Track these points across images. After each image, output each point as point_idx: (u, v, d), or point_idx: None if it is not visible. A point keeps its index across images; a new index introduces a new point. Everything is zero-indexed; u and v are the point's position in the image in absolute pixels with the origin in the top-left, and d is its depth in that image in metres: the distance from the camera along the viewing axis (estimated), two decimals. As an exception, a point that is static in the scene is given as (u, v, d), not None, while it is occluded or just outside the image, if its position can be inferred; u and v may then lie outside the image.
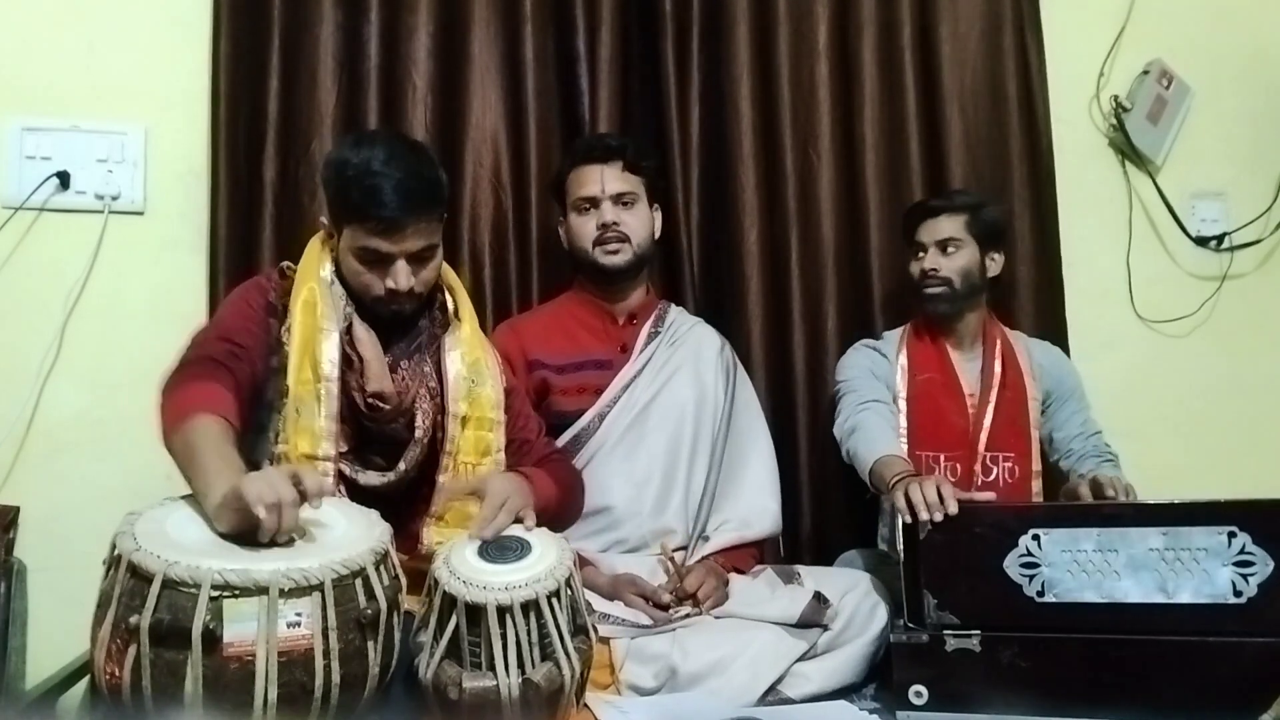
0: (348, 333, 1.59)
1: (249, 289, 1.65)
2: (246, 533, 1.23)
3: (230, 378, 1.48)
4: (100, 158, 2.05)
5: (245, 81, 2.07)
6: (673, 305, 2.13)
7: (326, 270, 1.62)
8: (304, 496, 1.25)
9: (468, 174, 2.15)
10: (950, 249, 2.06)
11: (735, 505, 1.97)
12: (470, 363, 1.67)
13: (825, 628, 1.72)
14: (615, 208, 1.98)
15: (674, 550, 1.87)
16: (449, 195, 1.70)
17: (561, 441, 1.93)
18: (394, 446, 1.61)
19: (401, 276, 1.57)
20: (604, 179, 1.98)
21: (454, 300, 1.72)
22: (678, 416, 1.97)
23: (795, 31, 2.32)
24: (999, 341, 2.10)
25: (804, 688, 1.67)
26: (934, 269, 2.06)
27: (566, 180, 2.03)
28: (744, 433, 2.04)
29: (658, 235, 2.09)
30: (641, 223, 2.01)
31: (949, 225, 2.07)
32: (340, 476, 1.56)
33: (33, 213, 2.02)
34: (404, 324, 1.66)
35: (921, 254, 2.08)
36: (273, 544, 1.23)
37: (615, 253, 1.98)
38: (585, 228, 1.99)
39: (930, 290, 2.06)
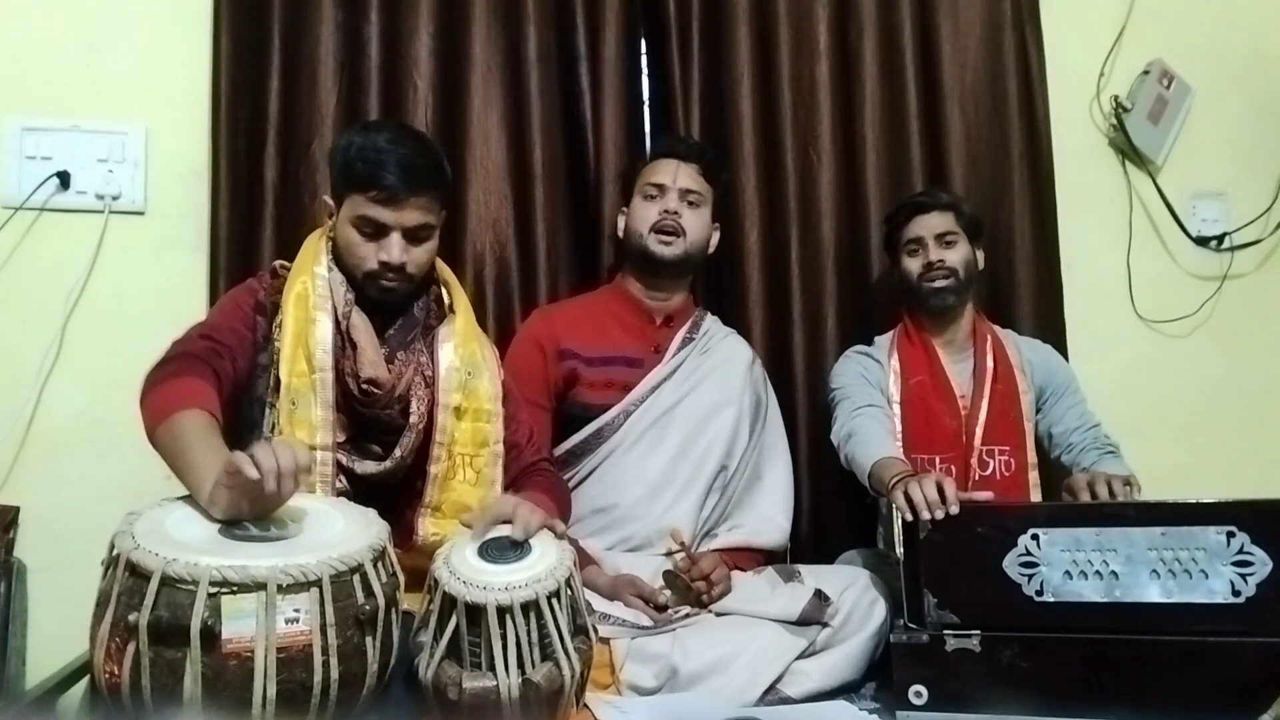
0: (345, 319, 1.61)
1: (239, 290, 1.68)
2: (243, 515, 1.25)
3: (211, 373, 1.49)
4: (100, 158, 2.05)
5: (245, 81, 2.07)
6: (709, 314, 2.15)
7: (323, 264, 1.64)
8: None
9: (469, 174, 2.15)
10: (949, 241, 2.07)
11: (747, 514, 2.00)
12: (465, 355, 1.68)
13: (825, 625, 1.72)
14: (680, 201, 2.01)
15: (678, 552, 1.87)
16: (450, 194, 1.74)
17: (582, 435, 1.95)
18: (391, 435, 1.62)
19: (395, 249, 1.59)
20: (678, 173, 2.02)
21: (449, 295, 1.74)
22: (700, 424, 1.98)
23: (796, 32, 2.32)
24: (989, 338, 2.11)
25: (803, 685, 1.67)
26: (940, 260, 2.05)
27: (641, 169, 2.07)
28: (765, 448, 2.06)
29: (712, 249, 2.11)
30: (701, 225, 2.04)
31: (942, 220, 2.08)
32: (338, 466, 1.57)
33: (33, 213, 2.02)
34: (397, 310, 1.67)
35: (918, 250, 2.08)
36: (270, 536, 1.24)
37: (668, 244, 2.00)
38: (647, 211, 2.01)
39: (938, 283, 2.05)
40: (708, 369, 2.03)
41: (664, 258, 2.00)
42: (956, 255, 2.06)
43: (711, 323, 2.13)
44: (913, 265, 2.09)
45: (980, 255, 2.13)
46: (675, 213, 2.00)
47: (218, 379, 1.49)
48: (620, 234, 2.09)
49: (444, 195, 1.68)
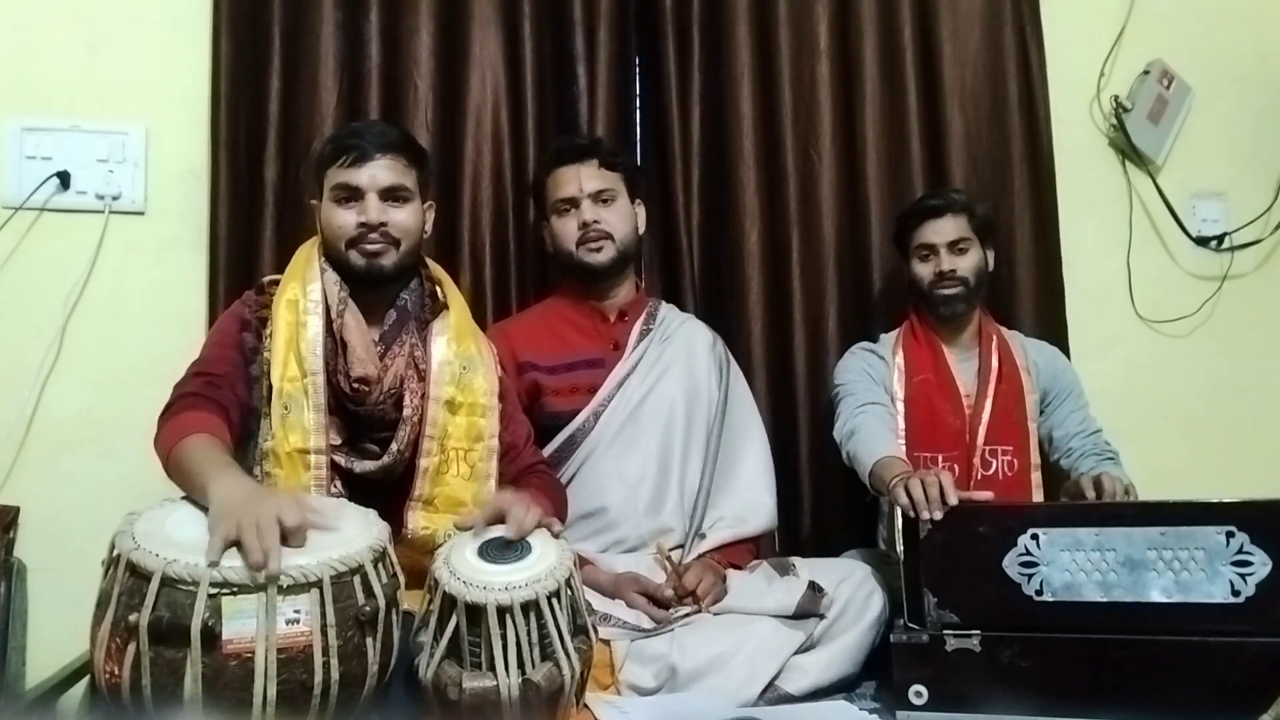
0: (339, 317, 1.62)
1: (225, 317, 1.70)
2: None
3: (213, 404, 1.51)
4: (100, 158, 2.05)
5: (245, 81, 2.07)
6: (663, 303, 2.13)
7: (314, 268, 1.67)
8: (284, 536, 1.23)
9: (468, 174, 2.15)
10: (962, 248, 2.06)
11: (730, 501, 1.97)
12: (460, 350, 1.70)
13: (822, 617, 1.72)
14: (595, 206, 1.98)
15: (671, 550, 1.87)
16: (429, 173, 1.78)
17: (556, 443, 1.94)
18: (385, 432, 1.63)
19: (372, 209, 1.64)
20: (581, 178, 1.98)
21: (443, 292, 1.76)
22: (670, 414, 1.97)
23: (796, 31, 2.32)
24: (995, 338, 2.10)
25: (802, 681, 1.67)
26: (952, 269, 2.05)
27: (544, 184, 2.04)
28: (738, 428, 2.04)
29: (642, 230, 2.09)
30: (622, 219, 2.01)
31: (956, 225, 2.07)
32: (335, 468, 1.58)
33: (33, 213, 2.02)
34: (390, 299, 1.69)
35: (930, 256, 2.07)
36: None
37: (598, 250, 1.98)
38: (567, 229, 1.99)
39: (948, 291, 2.05)
40: (670, 358, 2.01)
41: (600, 265, 1.98)
42: (968, 263, 2.06)
43: (667, 310, 2.10)
44: (924, 271, 2.08)
45: (991, 256, 2.13)
46: (595, 221, 1.97)
47: (221, 408, 1.52)
48: (549, 250, 2.06)
49: (415, 161, 1.71)
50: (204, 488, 1.30)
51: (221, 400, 1.53)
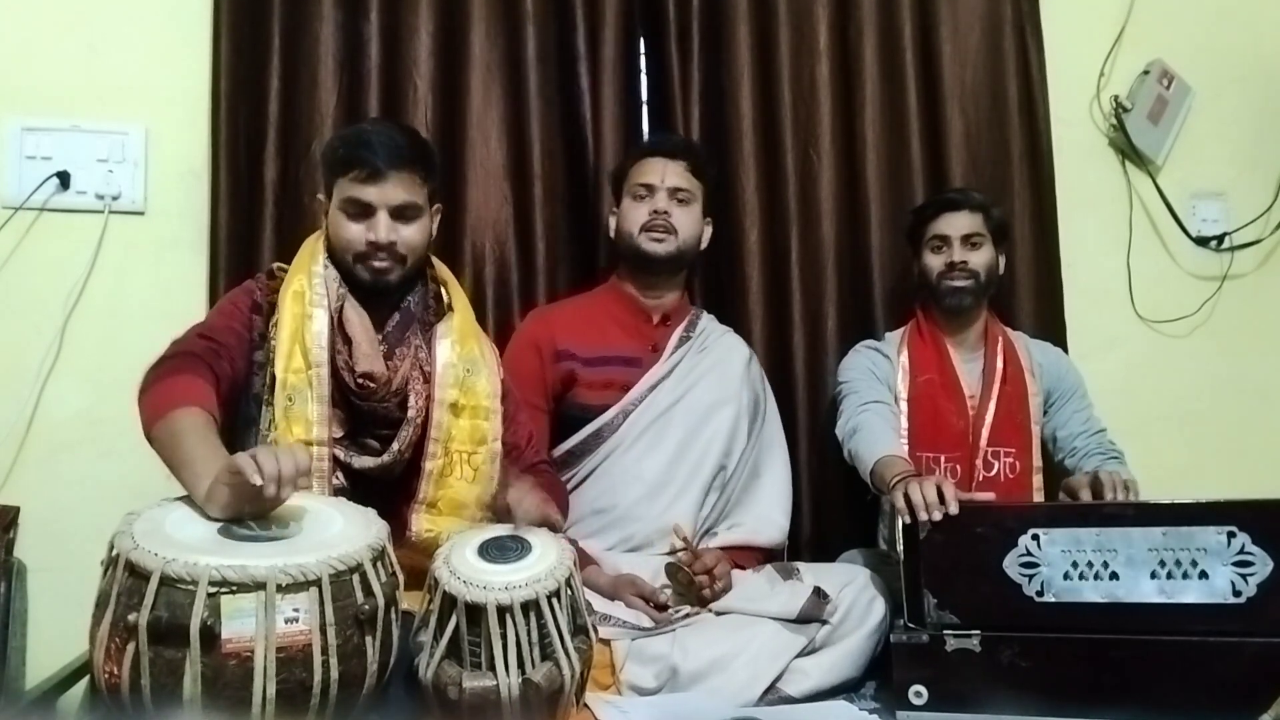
0: (339, 314, 1.62)
1: (237, 292, 1.70)
2: (242, 514, 1.26)
3: (209, 372, 1.51)
4: (100, 158, 2.05)
5: (245, 81, 2.07)
6: (705, 313, 2.15)
7: (319, 262, 1.66)
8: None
9: (468, 174, 2.15)
10: (975, 242, 2.07)
11: (746, 513, 2.00)
12: (463, 353, 1.70)
13: (825, 622, 1.72)
14: (670, 200, 2.00)
15: (680, 548, 1.87)
16: (439, 180, 1.76)
17: (581, 435, 1.95)
18: (388, 429, 1.63)
19: (382, 228, 1.63)
20: (665, 171, 2.01)
21: (447, 293, 1.75)
22: (698, 423, 1.98)
23: (796, 32, 2.32)
24: (1000, 340, 2.10)
25: (803, 684, 1.68)
26: (963, 261, 2.05)
27: (629, 170, 2.06)
28: (763, 446, 2.06)
29: (704, 245, 2.10)
30: (692, 222, 2.03)
31: (971, 221, 2.08)
32: (335, 462, 1.58)
33: (33, 213, 2.02)
34: (394, 305, 1.68)
35: (942, 247, 2.07)
36: (270, 536, 1.24)
37: (660, 241, 1.99)
38: (637, 212, 2.01)
39: (957, 283, 2.05)
40: (705, 367, 2.03)
41: (657, 255, 2.00)
42: (980, 258, 2.07)
43: (708, 321, 2.12)
44: (935, 262, 2.08)
45: (1002, 260, 2.13)
46: (665, 212, 1.99)
47: (215, 378, 1.51)
48: (612, 235, 2.09)
49: (428, 175, 1.70)
50: (193, 480, 1.31)
51: (218, 370, 1.53)
